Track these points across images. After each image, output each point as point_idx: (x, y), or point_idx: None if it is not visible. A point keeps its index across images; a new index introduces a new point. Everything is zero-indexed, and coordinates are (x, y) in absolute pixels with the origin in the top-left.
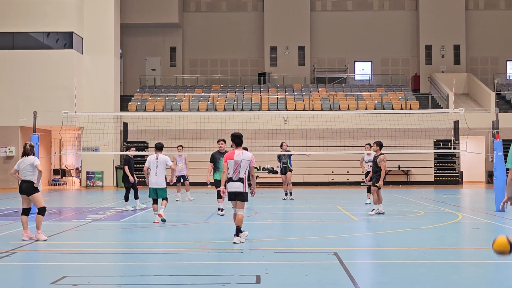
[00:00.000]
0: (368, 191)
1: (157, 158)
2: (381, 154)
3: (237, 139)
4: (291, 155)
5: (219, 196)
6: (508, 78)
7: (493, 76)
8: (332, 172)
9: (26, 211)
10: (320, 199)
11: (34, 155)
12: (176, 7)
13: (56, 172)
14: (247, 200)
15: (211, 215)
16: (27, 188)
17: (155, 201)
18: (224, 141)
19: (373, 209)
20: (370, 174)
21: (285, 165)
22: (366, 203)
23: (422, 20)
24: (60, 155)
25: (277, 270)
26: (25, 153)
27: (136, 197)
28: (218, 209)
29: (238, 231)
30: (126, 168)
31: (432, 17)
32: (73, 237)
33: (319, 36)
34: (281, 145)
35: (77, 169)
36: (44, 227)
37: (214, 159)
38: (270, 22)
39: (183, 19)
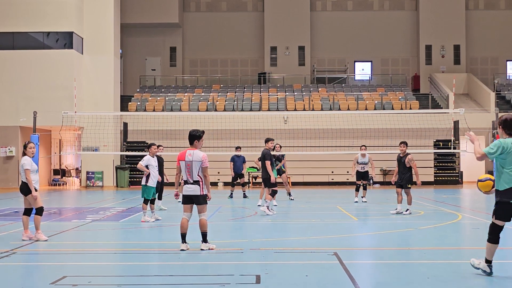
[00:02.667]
0: (357, 189)
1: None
2: (407, 154)
3: (189, 138)
4: (284, 156)
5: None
6: (508, 78)
7: (493, 76)
8: (332, 172)
9: (27, 211)
10: (320, 199)
11: (30, 155)
12: (176, 7)
13: (56, 172)
14: (206, 203)
15: (211, 215)
16: (23, 188)
17: (151, 201)
18: (272, 140)
19: (407, 209)
20: (417, 175)
21: (278, 168)
22: (355, 202)
23: (422, 20)
24: (60, 155)
25: (277, 270)
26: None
27: (159, 198)
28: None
29: (205, 236)
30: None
31: (432, 17)
32: (73, 237)
33: (319, 36)
34: (274, 147)
35: (77, 169)
36: (44, 227)
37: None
38: (270, 22)
39: (183, 19)
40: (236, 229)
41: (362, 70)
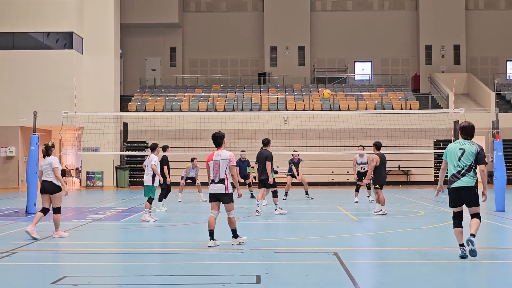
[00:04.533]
0: (357, 190)
1: (148, 158)
2: (377, 154)
3: (215, 140)
4: (299, 163)
5: (275, 195)
6: (508, 78)
7: (493, 76)
8: (332, 172)
9: (44, 210)
10: (320, 199)
11: (54, 155)
12: (176, 7)
13: None
14: (232, 201)
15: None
16: (49, 187)
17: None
18: (269, 140)
19: (380, 210)
20: (369, 175)
21: (291, 173)
22: (356, 202)
23: (422, 20)
24: (60, 155)
25: (277, 270)
26: (47, 153)
27: (164, 197)
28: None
29: (235, 232)
30: (165, 168)
31: (432, 17)
32: (73, 237)
33: (319, 36)
34: (292, 156)
35: (77, 169)
36: (44, 227)
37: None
38: (270, 22)
39: (183, 19)
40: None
41: (362, 70)
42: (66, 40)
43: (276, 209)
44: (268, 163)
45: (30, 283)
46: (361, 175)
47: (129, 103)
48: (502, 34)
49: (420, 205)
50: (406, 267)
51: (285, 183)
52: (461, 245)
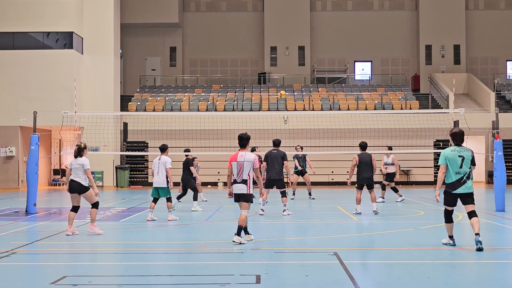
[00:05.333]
0: (383, 188)
1: (159, 159)
2: (358, 154)
3: (241, 141)
4: (305, 156)
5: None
6: (508, 78)
7: (493, 76)
8: (332, 172)
9: (75, 209)
10: (320, 199)
11: (86, 156)
12: (176, 7)
13: (56, 172)
14: (252, 202)
15: (211, 215)
16: (78, 187)
17: (155, 200)
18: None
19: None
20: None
21: (301, 169)
22: (397, 201)
23: (422, 20)
24: (60, 155)
25: (277, 270)
26: (79, 154)
27: (194, 198)
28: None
29: (240, 230)
30: (192, 168)
31: (432, 17)
32: (73, 237)
33: (319, 36)
34: (296, 148)
35: None
36: (44, 227)
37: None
38: (270, 22)
39: (183, 19)
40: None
41: (362, 70)
42: (66, 40)
43: (284, 210)
44: (286, 163)
45: (30, 283)
46: (388, 176)
47: (129, 103)
48: (502, 34)
49: (420, 205)
50: (406, 267)
51: (285, 183)
52: (451, 237)
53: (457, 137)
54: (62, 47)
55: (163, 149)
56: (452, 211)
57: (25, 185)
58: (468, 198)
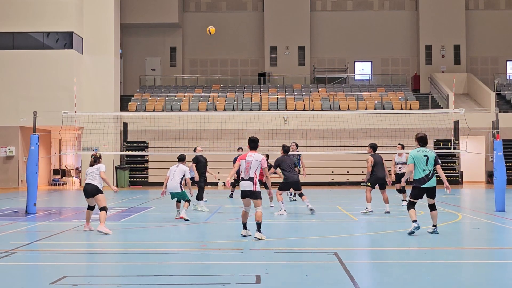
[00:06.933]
0: (402, 191)
1: (177, 167)
2: (372, 155)
3: (252, 143)
4: (300, 156)
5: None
6: (508, 78)
7: (493, 76)
8: (332, 172)
9: (91, 207)
10: (320, 199)
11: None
12: (176, 7)
13: (56, 172)
14: (260, 198)
15: (211, 215)
16: (92, 190)
17: (178, 200)
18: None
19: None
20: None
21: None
22: (403, 205)
23: (422, 20)
24: (60, 155)
25: (277, 270)
26: (95, 163)
27: (196, 197)
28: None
29: (259, 226)
30: (193, 165)
31: (432, 17)
32: (73, 237)
33: (319, 36)
34: (290, 145)
35: (77, 169)
36: (44, 227)
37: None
38: (270, 22)
39: (183, 19)
40: (236, 229)
41: (362, 70)
42: (66, 40)
43: (282, 210)
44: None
45: (30, 283)
46: (398, 177)
47: (129, 103)
48: (502, 34)
49: (420, 205)
50: (406, 267)
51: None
52: (414, 221)
53: (422, 140)
54: (62, 47)
55: (182, 159)
56: (415, 203)
57: (25, 185)
58: (433, 192)
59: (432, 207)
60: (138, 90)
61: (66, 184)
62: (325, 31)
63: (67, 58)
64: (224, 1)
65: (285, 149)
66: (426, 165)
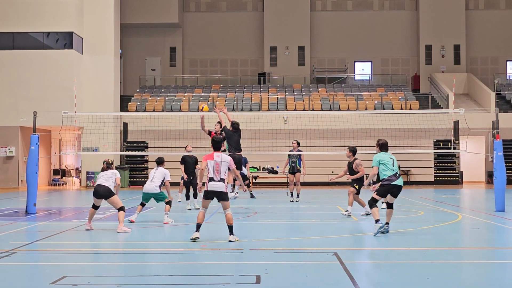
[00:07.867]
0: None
1: (156, 170)
2: (355, 159)
3: (215, 144)
4: (300, 155)
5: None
6: (508, 78)
7: (493, 76)
8: (332, 172)
9: (96, 207)
10: (320, 199)
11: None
12: (176, 7)
13: (56, 172)
14: (228, 200)
15: (211, 215)
16: (105, 193)
17: (142, 204)
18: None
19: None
20: (369, 179)
21: (293, 165)
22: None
23: (422, 20)
24: (60, 155)
25: (277, 270)
26: (107, 168)
27: (194, 196)
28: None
29: (231, 229)
30: (181, 167)
31: (432, 17)
32: (73, 237)
33: (319, 36)
34: (292, 143)
35: (77, 169)
36: (44, 227)
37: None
38: (270, 22)
39: (183, 19)
40: (236, 229)
41: (362, 70)
42: (66, 40)
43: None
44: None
45: (30, 283)
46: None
47: (129, 103)
48: (502, 34)
49: (420, 205)
50: (406, 267)
51: (286, 183)
52: (377, 221)
53: (384, 146)
54: (62, 47)
55: (160, 162)
56: (378, 200)
57: (25, 185)
58: (398, 192)
59: (391, 206)
60: (138, 90)
61: (66, 184)
62: (325, 31)
63: (67, 58)
64: (224, 1)
65: (234, 126)
66: (393, 166)
